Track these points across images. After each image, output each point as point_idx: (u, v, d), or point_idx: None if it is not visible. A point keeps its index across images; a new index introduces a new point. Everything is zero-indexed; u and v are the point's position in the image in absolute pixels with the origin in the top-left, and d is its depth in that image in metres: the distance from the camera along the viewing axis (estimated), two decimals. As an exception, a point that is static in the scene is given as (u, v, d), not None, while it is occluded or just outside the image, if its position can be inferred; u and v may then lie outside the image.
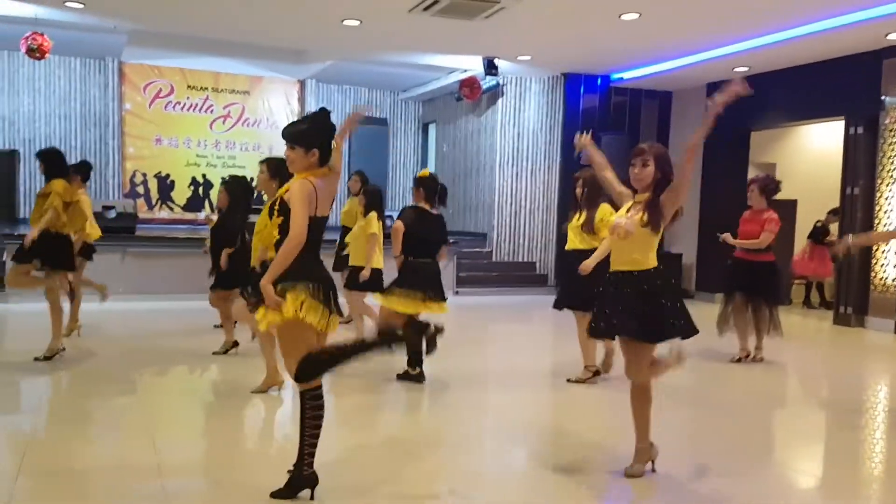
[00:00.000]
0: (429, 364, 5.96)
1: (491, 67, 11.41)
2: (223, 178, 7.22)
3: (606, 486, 3.89)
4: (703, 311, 7.55)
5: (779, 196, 11.96)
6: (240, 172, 14.08)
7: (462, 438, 4.68)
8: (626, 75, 12.23)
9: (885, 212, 9.44)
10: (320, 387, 3.45)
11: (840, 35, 8.94)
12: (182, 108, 13.95)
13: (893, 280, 9.32)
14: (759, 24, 9.08)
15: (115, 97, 13.36)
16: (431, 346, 5.63)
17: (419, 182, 5.90)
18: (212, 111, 14.12)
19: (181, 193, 13.99)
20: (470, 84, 12.23)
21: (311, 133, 3.42)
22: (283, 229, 3.36)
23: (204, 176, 14.05)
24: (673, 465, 4.04)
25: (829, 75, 10.21)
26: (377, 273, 6.75)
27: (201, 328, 7.86)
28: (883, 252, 9.44)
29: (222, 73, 14.03)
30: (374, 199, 7.00)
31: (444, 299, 5.82)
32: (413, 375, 5.88)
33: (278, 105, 14.43)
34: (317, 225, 3.39)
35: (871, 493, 4.08)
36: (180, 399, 5.58)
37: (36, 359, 6.11)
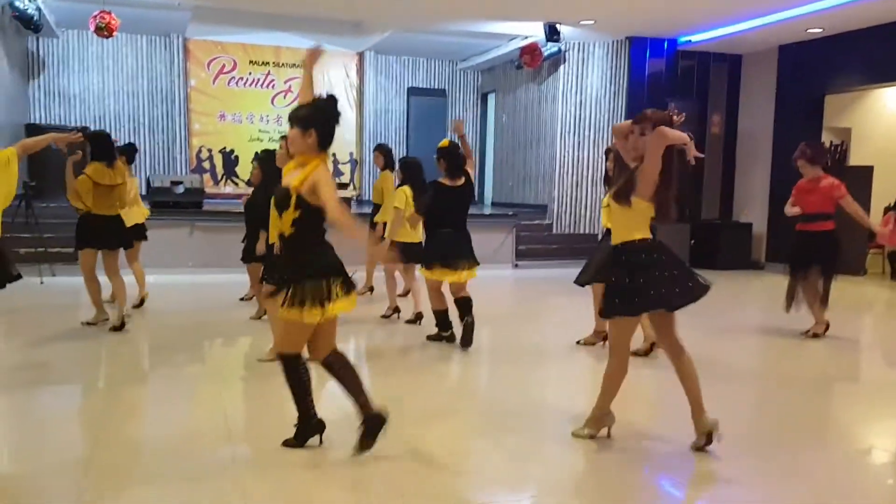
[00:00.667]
0: (484, 336, 5.98)
1: (553, 33, 11.16)
2: (256, 153, 7.22)
3: (667, 462, 3.81)
4: (774, 283, 7.34)
5: (854, 162, 11.55)
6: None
7: (507, 412, 4.60)
8: (694, 38, 11.83)
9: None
10: (296, 357, 3.59)
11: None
12: (245, 84, 14.13)
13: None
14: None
15: (180, 73, 13.62)
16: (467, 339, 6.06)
17: (439, 153, 5.99)
18: (273, 86, 14.27)
19: (245, 168, 14.20)
20: (531, 51, 12.00)
21: (309, 115, 3.50)
22: (299, 223, 3.47)
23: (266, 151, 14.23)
24: (739, 439, 3.94)
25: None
26: (408, 246, 6.66)
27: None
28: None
29: (283, 48, 14.15)
30: (411, 172, 6.83)
31: (470, 265, 5.96)
32: (444, 336, 6.22)
33: (338, 78, 14.48)
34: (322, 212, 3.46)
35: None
36: (247, 368, 5.70)
37: (113, 328, 6.35)
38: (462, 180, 5.98)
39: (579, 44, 12.22)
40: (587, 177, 12.54)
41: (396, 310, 7.27)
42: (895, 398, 5.37)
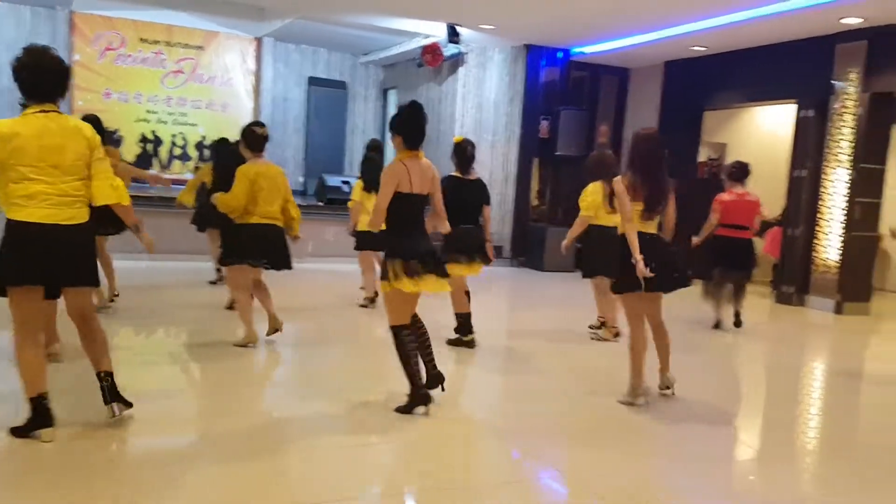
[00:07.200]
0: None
1: (453, 34, 11.29)
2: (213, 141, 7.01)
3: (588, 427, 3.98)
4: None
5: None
6: (191, 130, 13.81)
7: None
8: (587, 50, 12.24)
9: (830, 194, 9.70)
10: (402, 326, 4.22)
11: (796, 18, 9.06)
12: (133, 62, 13.55)
13: (834, 261, 9.62)
14: (718, 4, 9.16)
15: (64, 48, 12.89)
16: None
17: (453, 150, 6.15)
18: (164, 65, 13.74)
19: (130, 150, 13.61)
20: (432, 51, 12.11)
21: (393, 121, 4.55)
22: (389, 209, 4.33)
23: (154, 132, 13.71)
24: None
25: (784, 58, 10.37)
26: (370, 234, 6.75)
27: (180, 284, 7.76)
28: (826, 233, 9.72)
29: (176, 27, 13.64)
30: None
31: (487, 261, 6.07)
32: (465, 341, 6.16)
33: (233, 62, 14.09)
34: (408, 201, 4.24)
35: (805, 465, 4.25)
36: (168, 355, 5.54)
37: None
38: (474, 176, 6.08)
39: (480, 47, 12.41)
40: (483, 178, 12.66)
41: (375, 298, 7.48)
42: (760, 397, 5.80)
